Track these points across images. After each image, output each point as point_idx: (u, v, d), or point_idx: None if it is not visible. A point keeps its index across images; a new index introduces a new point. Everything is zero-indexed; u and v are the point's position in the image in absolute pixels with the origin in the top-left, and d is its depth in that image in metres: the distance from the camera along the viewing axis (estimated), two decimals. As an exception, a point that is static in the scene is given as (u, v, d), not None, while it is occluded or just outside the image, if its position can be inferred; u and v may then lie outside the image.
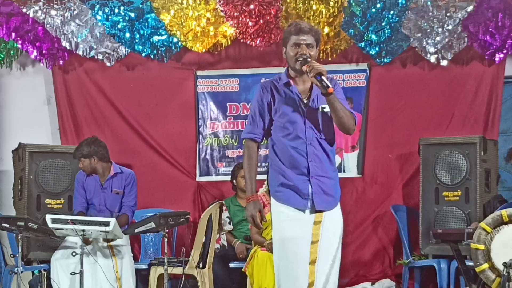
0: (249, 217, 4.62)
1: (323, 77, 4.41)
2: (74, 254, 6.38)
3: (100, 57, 8.27)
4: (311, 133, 4.58)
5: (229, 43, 8.22)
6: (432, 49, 7.85)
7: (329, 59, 8.04)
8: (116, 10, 8.05)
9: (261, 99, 4.65)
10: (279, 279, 4.59)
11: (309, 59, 4.50)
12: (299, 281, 4.49)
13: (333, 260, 4.58)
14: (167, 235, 6.62)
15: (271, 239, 5.80)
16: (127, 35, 8.11)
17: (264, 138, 4.73)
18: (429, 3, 7.74)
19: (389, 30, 7.77)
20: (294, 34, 4.57)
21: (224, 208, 7.63)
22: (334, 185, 4.65)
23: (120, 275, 6.80)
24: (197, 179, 8.43)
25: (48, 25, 8.15)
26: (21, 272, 6.65)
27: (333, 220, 4.65)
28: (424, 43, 7.85)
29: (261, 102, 4.65)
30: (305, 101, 4.60)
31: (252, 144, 4.68)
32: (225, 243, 7.76)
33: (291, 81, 4.63)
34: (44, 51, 8.34)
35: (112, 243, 6.84)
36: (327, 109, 4.57)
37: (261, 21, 7.92)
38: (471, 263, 6.24)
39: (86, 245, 6.67)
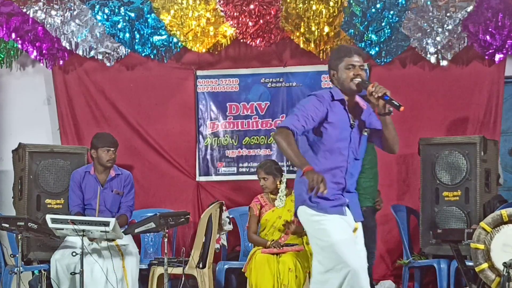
0: (314, 178, 4.47)
1: (390, 97, 4.62)
2: (74, 254, 6.38)
3: (100, 57, 8.28)
4: (351, 153, 4.77)
5: (229, 43, 8.22)
6: (432, 49, 7.85)
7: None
8: (116, 10, 8.05)
9: (317, 107, 4.71)
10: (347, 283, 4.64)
11: (376, 83, 4.65)
12: (366, 281, 4.64)
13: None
14: (167, 235, 6.62)
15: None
16: (127, 35, 8.11)
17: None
18: (429, 3, 7.74)
19: (389, 30, 7.77)
20: (348, 56, 4.72)
21: (224, 208, 7.63)
22: (358, 198, 4.93)
23: (126, 273, 6.80)
24: (197, 179, 8.44)
25: (48, 25, 8.15)
26: (21, 272, 6.64)
27: (360, 229, 4.88)
28: (424, 43, 7.84)
29: (316, 109, 4.71)
30: (351, 122, 4.78)
31: (291, 134, 4.62)
32: (225, 243, 7.75)
33: (346, 99, 4.77)
34: (44, 51, 8.34)
35: (118, 241, 6.83)
36: (366, 133, 4.82)
37: (261, 21, 7.92)
38: (471, 263, 6.24)
39: (91, 240, 6.68)
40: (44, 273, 7.23)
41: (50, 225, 6.43)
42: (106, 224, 6.36)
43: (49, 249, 7.38)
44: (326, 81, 8.29)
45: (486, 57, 7.88)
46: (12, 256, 6.99)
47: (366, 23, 7.75)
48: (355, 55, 4.72)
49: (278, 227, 7.07)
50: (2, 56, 8.51)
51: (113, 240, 6.74)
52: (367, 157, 6.35)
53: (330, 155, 4.74)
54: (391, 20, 7.73)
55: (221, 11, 8.00)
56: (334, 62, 4.78)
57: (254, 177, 8.23)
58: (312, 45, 7.96)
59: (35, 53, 8.35)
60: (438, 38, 7.79)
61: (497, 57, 7.83)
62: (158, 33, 8.14)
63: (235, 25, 7.99)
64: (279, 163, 7.58)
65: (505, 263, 5.44)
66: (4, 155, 8.51)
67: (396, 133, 4.77)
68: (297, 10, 7.88)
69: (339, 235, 4.66)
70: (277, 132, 4.63)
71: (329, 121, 4.73)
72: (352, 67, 4.71)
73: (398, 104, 4.60)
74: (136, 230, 6.83)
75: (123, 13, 8.06)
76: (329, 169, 4.72)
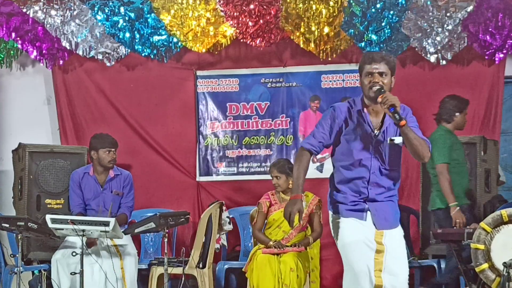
0: (286, 212, 4.73)
1: (396, 109, 4.55)
2: (74, 254, 6.38)
3: (100, 57, 8.28)
4: (376, 163, 4.74)
5: (229, 43, 8.22)
6: (432, 49, 7.86)
7: (329, 59, 8.04)
8: (116, 10, 8.05)
9: (334, 119, 4.78)
10: (346, 282, 4.76)
11: (383, 90, 4.63)
12: (366, 284, 4.68)
13: (401, 272, 4.77)
14: (167, 235, 6.62)
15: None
16: (127, 35, 8.11)
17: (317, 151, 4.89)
18: (429, 3, 7.74)
19: (389, 30, 7.77)
20: (367, 63, 4.71)
21: (224, 208, 7.63)
22: (393, 206, 4.84)
23: (125, 273, 6.80)
24: (197, 179, 8.44)
25: (48, 25, 8.15)
26: (21, 272, 6.64)
27: (395, 235, 4.81)
28: (424, 43, 7.85)
29: (332, 121, 4.78)
30: (375, 131, 4.73)
31: (307, 153, 4.81)
32: (225, 243, 7.75)
33: (365, 109, 4.75)
34: (44, 51, 8.35)
35: (116, 242, 6.83)
36: (396, 141, 4.72)
37: (261, 21, 7.92)
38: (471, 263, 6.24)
39: (90, 247, 6.68)
40: (44, 273, 7.24)
41: (50, 225, 6.43)
42: (106, 224, 6.36)
43: (49, 249, 7.38)
44: (326, 81, 8.30)
45: (486, 57, 7.88)
46: (12, 256, 6.99)
47: (366, 23, 7.75)
48: (373, 62, 4.70)
49: (283, 229, 7.06)
50: (2, 56, 8.51)
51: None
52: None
53: (351, 166, 4.75)
54: (391, 20, 7.73)
55: (221, 11, 8.00)
56: (359, 68, 4.79)
57: (254, 177, 8.25)
58: (312, 45, 7.95)
59: (35, 53, 8.35)
60: (438, 38, 7.79)
61: (497, 57, 7.83)
62: (158, 33, 8.14)
63: (235, 25, 7.99)
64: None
65: (505, 263, 5.43)
66: (4, 155, 8.51)
67: (420, 142, 4.64)
68: (297, 10, 7.88)
69: (350, 237, 4.71)
70: (299, 151, 4.82)
71: (347, 132, 4.75)
72: (370, 75, 4.70)
73: (398, 118, 4.53)
74: (136, 230, 6.83)
75: (123, 13, 8.06)
76: (350, 180, 4.76)
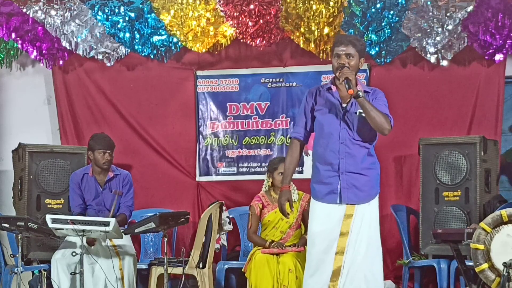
0: (279, 207, 5.18)
1: (348, 81, 4.90)
2: (74, 254, 6.38)
3: (100, 57, 8.28)
4: (345, 134, 5.05)
5: (229, 43, 8.22)
6: (432, 49, 7.85)
7: (329, 59, 8.03)
8: (116, 10, 8.06)
9: (306, 102, 5.19)
10: (306, 268, 5.12)
11: (345, 69, 4.95)
12: (323, 268, 4.98)
13: (366, 250, 5.00)
14: (167, 235, 6.62)
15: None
16: (127, 35, 8.12)
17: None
18: (429, 3, 7.74)
19: (389, 30, 7.77)
20: (335, 46, 5.07)
21: (224, 208, 7.63)
22: (368, 181, 5.09)
23: (123, 274, 6.80)
24: (197, 179, 8.44)
25: (48, 25, 8.16)
26: (21, 272, 6.64)
27: (367, 214, 5.06)
28: (424, 43, 7.85)
29: (306, 105, 5.19)
30: (343, 105, 5.06)
31: (295, 142, 5.22)
32: (225, 243, 7.75)
33: (333, 87, 5.10)
34: (44, 51, 8.35)
35: (115, 242, 6.83)
36: (360, 113, 5.05)
37: (261, 21, 7.92)
38: (471, 263, 6.24)
39: (90, 246, 6.68)
40: (44, 273, 7.23)
41: (50, 225, 6.43)
42: (106, 224, 6.35)
43: (49, 249, 7.38)
44: (326, 81, 8.29)
45: (486, 57, 7.87)
46: (12, 256, 7.00)
47: (366, 23, 7.75)
48: (340, 45, 5.03)
49: (280, 229, 7.05)
50: (2, 56, 8.51)
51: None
52: None
53: (323, 140, 5.07)
54: (391, 20, 7.74)
55: (221, 11, 8.00)
56: (331, 52, 5.21)
57: (254, 177, 8.25)
58: (312, 45, 7.96)
59: (35, 53, 8.35)
60: (438, 38, 7.80)
61: (497, 57, 7.82)
62: (158, 33, 8.15)
63: (235, 25, 7.99)
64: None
65: (505, 263, 5.43)
66: (4, 155, 8.51)
67: (378, 114, 4.96)
68: (297, 10, 7.88)
69: (317, 227, 5.04)
70: (289, 143, 5.29)
71: (318, 108, 5.11)
72: (337, 57, 5.03)
73: (347, 88, 4.89)
74: (136, 230, 6.83)
75: (123, 13, 8.07)
76: (323, 153, 5.07)
